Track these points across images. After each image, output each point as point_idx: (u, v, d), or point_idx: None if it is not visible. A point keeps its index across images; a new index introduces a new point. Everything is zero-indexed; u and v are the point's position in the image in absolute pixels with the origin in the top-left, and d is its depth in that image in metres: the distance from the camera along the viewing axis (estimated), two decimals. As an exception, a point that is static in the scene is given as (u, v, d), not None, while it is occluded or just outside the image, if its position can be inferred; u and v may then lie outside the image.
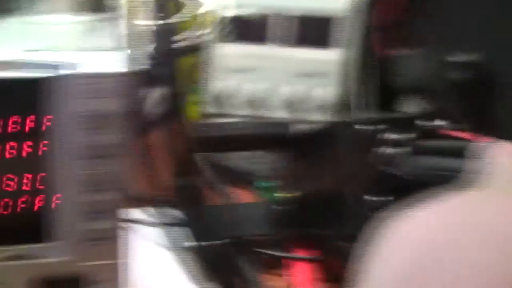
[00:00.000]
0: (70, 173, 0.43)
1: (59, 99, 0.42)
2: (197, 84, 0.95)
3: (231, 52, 0.90)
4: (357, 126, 0.54)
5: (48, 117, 0.42)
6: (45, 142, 0.43)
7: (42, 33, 0.52)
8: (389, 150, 0.53)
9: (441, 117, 0.88)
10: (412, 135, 0.54)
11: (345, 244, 0.54)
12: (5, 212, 0.43)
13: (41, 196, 0.44)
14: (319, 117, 0.89)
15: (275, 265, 0.62)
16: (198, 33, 0.49)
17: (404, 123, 0.55)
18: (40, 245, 0.45)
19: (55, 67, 0.42)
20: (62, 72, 0.42)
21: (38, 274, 0.46)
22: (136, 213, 0.56)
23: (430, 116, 0.56)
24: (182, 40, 0.49)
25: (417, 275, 0.25)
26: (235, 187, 0.79)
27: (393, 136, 0.53)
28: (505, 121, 0.93)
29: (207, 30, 0.50)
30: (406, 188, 0.53)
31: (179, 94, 1.04)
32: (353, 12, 0.88)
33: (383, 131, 0.54)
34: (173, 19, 0.49)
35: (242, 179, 0.79)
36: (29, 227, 0.44)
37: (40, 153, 0.43)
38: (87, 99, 0.42)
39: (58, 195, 0.44)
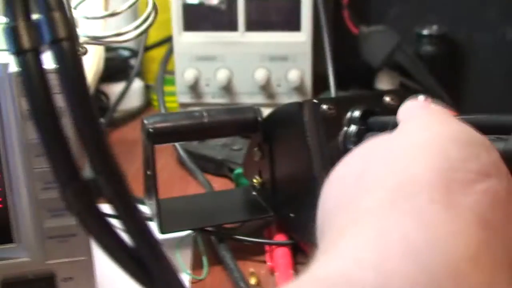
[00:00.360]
0: (23, 171, 0.43)
1: (4, 98, 0.41)
2: (170, 75, 0.95)
3: (199, 41, 0.90)
4: (324, 105, 0.53)
5: None
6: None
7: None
8: (355, 129, 0.52)
9: (413, 92, 0.87)
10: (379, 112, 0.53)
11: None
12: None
13: (-1, 198, 0.43)
14: (295, 100, 0.89)
15: (254, 252, 0.62)
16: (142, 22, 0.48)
17: (372, 100, 0.54)
18: (9, 245, 0.44)
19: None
20: (3, 71, 0.41)
21: (11, 274, 0.45)
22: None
23: (400, 92, 0.55)
24: (130, 31, 0.48)
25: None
26: (212, 175, 0.79)
27: (358, 113, 0.52)
28: (467, 91, 0.93)
29: (148, 13, 0.48)
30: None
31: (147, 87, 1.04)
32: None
33: (351, 110, 0.53)
34: (122, 8, 0.48)
35: (219, 166, 0.78)
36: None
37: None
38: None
39: (15, 195, 0.43)
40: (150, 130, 0.56)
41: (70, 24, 0.23)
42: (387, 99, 0.54)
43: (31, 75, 0.23)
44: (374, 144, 0.35)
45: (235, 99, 0.90)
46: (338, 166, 0.37)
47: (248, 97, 0.90)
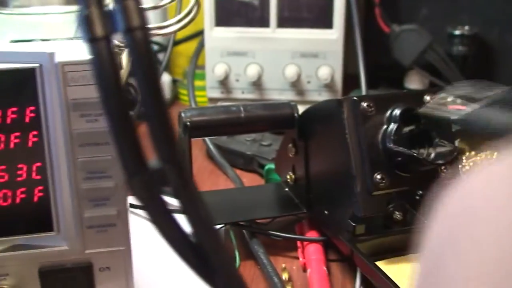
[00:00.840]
0: (66, 161, 0.43)
1: (50, 88, 0.41)
2: (200, 70, 0.95)
3: (231, 36, 0.90)
4: (363, 103, 0.53)
5: (32, 108, 0.42)
6: (34, 132, 0.42)
7: (32, 24, 0.51)
8: (395, 127, 0.52)
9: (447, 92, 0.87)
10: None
11: (354, 224, 0.54)
12: (5, 204, 0.43)
13: (40, 187, 0.43)
14: (325, 98, 0.89)
15: (286, 247, 0.62)
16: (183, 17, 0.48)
17: (411, 99, 0.54)
18: (49, 233, 0.45)
19: (42, 56, 0.41)
20: (49, 61, 0.41)
21: (49, 262, 0.45)
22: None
23: (437, 92, 0.55)
24: (172, 24, 0.48)
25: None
26: (241, 169, 0.79)
27: (399, 111, 0.52)
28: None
29: (191, 7, 0.48)
30: (415, 164, 0.53)
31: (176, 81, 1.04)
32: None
33: (391, 108, 0.53)
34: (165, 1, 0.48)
35: (248, 161, 0.78)
36: (33, 217, 0.44)
37: (29, 144, 0.42)
38: (78, 86, 0.42)
39: (57, 184, 0.43)
40: (188, 123, 0.56)
41: (142, 13, 0.23)
42: (427, 98, 0.54)
43: (104, 63, 0.23)
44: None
45: (265, 95, 0.90)
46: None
47: (278, 93, 0.90)
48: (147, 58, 0.23)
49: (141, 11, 0.23)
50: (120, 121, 0.24)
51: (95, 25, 0.23)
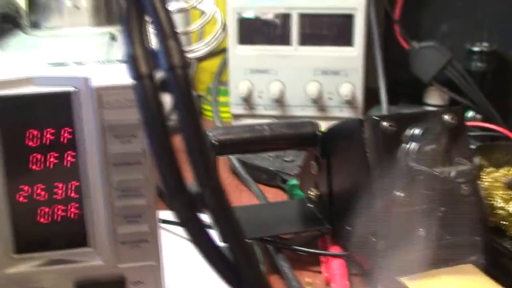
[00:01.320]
0: (101, 180, 0.45)
1: (86, 110, 0.44)
2: (223, 86, 0.97)
3: (254, 54, 0.92)
4: (384, 123, 0.55)
5: (69, 129, 0.44)
6: (71, 152, 0.44)
7: (65, 45, 0.53)
8: (416, 146, 0.53)
9: (468, 109, 0.88)
10: (439, 130, 0.54)
11: (375, 240, 0.55)
12: (44, 221, 0.45)
13: (76, 204, 0.45)
14: (346, 114, 0.91)
15: (309, 262, 0.63)
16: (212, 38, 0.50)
17: (431, 118, 0.56)
18: (84, 249, 0.47)
19: (78, 80, 0.44)
20: (85, 85, 0.43)
21: (84, 277, 0.47)
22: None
23: (459, 110, 0.56)
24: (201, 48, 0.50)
25: None
26: (264, 185, 0.81)
27: (419, 131, 0.54)
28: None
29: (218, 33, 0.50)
30: (436, 182, 0.54)
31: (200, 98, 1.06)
32: (372, 7, 0.89)
33: (411, 127, 0.55)
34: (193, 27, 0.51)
35: (271, 176, 0.80)
36: (70, 233, 0.46)
37: (67, 163, 0.44)
38: (112, 109, 0.44)
39: (92, 202, 0.45)
40: (214, 142, 0.58)
41: (183, 53, 0.25)
42: (446, 117, 0.55)
43: (149, 98, 0.25)
44: None
45: (287, 111, 0.92)
46: None
47: (300, 110, 0.92)
48: (188, 94, 0.25)
49: (182, 51, 0.25)
50: (163, 150, 0.26)
51: (140, 63, 0.25)
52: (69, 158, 0.45)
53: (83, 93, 0.44)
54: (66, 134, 0.44)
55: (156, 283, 0.49)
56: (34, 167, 0.44)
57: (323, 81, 0.90)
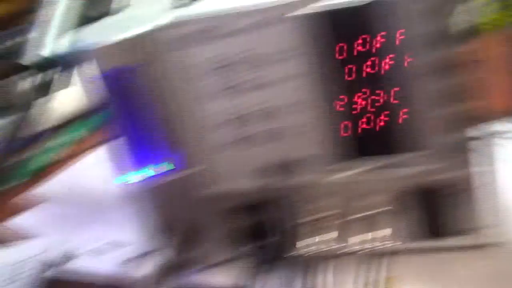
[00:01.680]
0: (421, 87, 0.43)
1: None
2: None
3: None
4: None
5: (401, 31, 0.41)
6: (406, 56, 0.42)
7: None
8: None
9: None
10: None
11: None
12: (368, 126, 0.45)
13: (404, 109, 0.44)
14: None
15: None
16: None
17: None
18: (407, 154, 0.45)
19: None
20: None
21: (408, 182, 0.47)
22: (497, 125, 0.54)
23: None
24: None
25: None
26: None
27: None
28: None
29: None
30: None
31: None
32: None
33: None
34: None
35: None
36: (392, 139, 0.45)
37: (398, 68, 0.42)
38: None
39: (407, 110, 0.44)
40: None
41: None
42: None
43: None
44: None
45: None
46: None
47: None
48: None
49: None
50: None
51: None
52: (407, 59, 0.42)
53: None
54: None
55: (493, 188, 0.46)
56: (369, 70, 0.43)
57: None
